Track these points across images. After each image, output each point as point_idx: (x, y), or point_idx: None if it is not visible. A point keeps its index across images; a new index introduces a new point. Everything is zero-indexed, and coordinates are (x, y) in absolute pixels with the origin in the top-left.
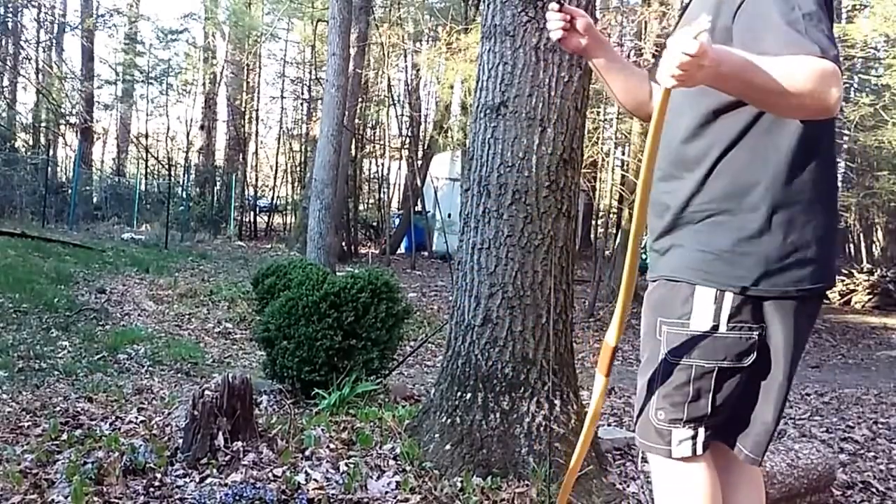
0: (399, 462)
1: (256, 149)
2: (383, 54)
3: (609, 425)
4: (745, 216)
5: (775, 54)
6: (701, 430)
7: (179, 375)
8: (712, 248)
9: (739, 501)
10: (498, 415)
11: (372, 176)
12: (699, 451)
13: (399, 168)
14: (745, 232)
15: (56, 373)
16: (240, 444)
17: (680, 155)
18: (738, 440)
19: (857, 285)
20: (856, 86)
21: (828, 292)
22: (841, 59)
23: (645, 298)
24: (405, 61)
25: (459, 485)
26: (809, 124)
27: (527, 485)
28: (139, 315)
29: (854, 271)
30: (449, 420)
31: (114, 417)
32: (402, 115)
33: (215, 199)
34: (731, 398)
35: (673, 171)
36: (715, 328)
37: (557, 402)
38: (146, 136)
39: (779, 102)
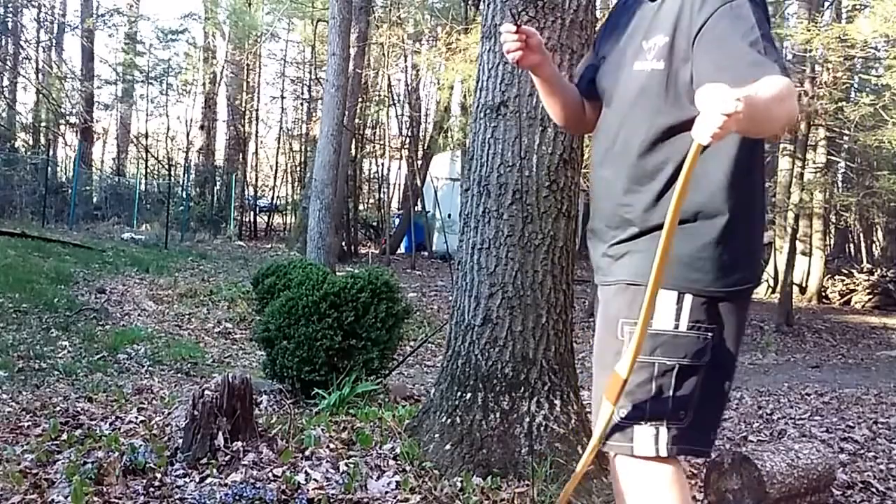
0: (399, 462)
1: (256, 149)
2: (383, 54)
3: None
4: (701, 224)
5: (740, 73)
6: (662, 430)
7: (179, 375)
8: (672, 254)
9: None
10: (498, 415)
11: (372, 176)
12: (662, 452)
13: (399, 168)
14: (702, 239)
15: (56, 373)
16: (240, 444)
17: (638, 169)
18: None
19: (857, 285)
20: (856, 86)
21: (828, 292)
22: (843, 60)
23: (602, 303)
24: (405, 61)
25: (459, 485)
26: (750, 141)
27: (527, 485)
28: (139, 315)
29: (854, 271)
30: (449, 420)
31: (114, 417)
32: (402, 115)
33: (215, 198)
34: (691, 398)
35: (632, 184)
36: (676, 327)
37: (557, 401)
38: (146, 136)
39: (772, 126)
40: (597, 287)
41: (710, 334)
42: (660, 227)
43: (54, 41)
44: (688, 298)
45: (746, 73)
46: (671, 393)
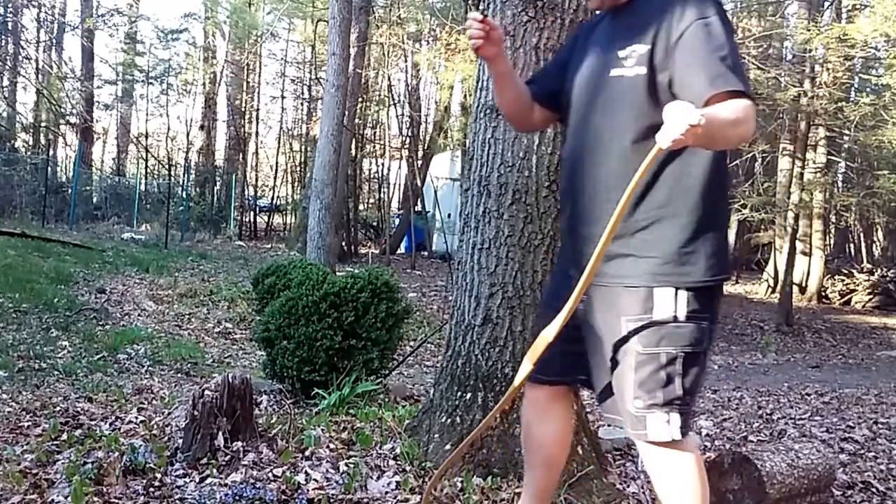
0: (399, 462)
1: (256, 149)
2: (383, 54)
3: (609, 426)
4: (684, 221)
5: (708, 83)
6: (674, 416)
7: (179, 375)
8: (662, 253)
9: (541, 434)
10: (498, 415)
11: (372, 176)
12: (676, 435)
13: (399, 168)
14: (686, 234)
15: (56, 373)
16: (240, 444)
17: (626, 168)
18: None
19: (858, 285)
20: (856, 86)
21: (828, 292)
22: (843, 59)
23: (597, 303)
24: (405, 61)
25: (459, 485)
26: (716, 162)
27: None
28: (139, 315)
29: (854, 271)
30: (449, 420)
31: (114, 417)
32: (402, 115)
33: (215, 198)
34: (697, 383)
35: (620, 182)
36: (675, 318)
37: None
38: (146, 136)
39: (725, 144)
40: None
41: (704, 322)
42: (646, 225)
43: (54, 41)
44: (682, 293)
45: (714, 84)
46: (679, 380)
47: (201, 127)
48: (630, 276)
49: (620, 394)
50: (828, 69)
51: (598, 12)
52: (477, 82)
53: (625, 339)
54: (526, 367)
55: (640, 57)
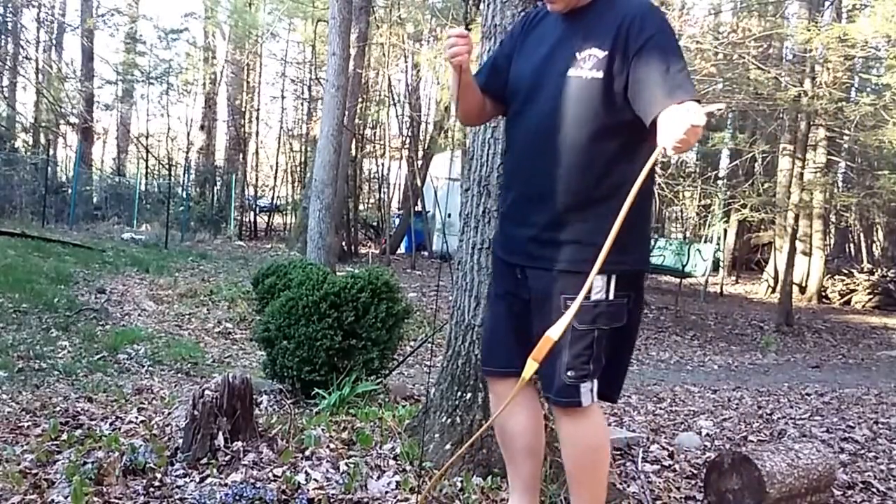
0: (399, 462)
1: (256, 149)
2: (383, 54)
3: (609, 425)
4: (628, 213)
5: (669, 92)
6: (595, 382)
7: (179, 375)
8: (600, 241)
9: (516, 426)
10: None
11: (372, 176)
12: (595, 398)
13: (399, 168)
14: (623, 226)
15: (56, 373)
16: (240, 444)
17: (580, 163)
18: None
19: (858, 285)
20: (856, 86)
21: (828, 292)
22: (843, 59)
23: (538, 284)
24: (405, 61)
25: (459, 485)
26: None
27: None
28: (139, 315)
29: (854, 271)
30: (449, 420)
31: (114, 417)
32: (402, 115)
33: (215, 198)
34: (615, 354)
35: (571, 176)
36: (608, 299)
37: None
38: (146, 136)
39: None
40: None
41: (631, 303)
42: (588, 216)
43: (54, 41)
44: (615, 278)
45: (674, 96)
46: (605, 353)
47: (201, 127)
48: (573, 260)
49: (553, 365)
50: (828, 69)
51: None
52: None
53: (561, 315)
54: (531, 365)
55: (598, 62)
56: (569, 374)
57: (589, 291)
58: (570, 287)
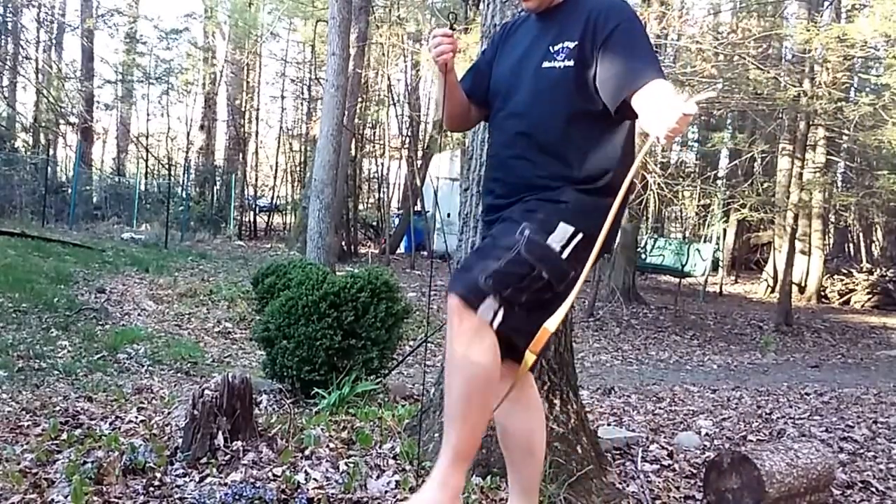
0: (399, 461)
1: (256, 149)
2: (383, 54)
3: (609, 425)
4: (596, 193)
5: (642, 74)
6: (501, 312)
7: (179, 375)
8: (578, 201)
9: (516, 426)
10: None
11: (372, 176)
12: (495, 325)
13: (399, 168)
14: (603, 198)
15: (56, 372)
16: (239, 443)
17: (556, 145)
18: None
19: (857, 285)
20: (855, 86)
21: (828, 292)
22: (842, 59)
23: (516, 208)
24: (405, 61)
25: None
26: (632, 132)
27: None
28: (139, 315)
29: (853, 271)
30: None
31: (113, 417)
32: (402, 115)
33: (215, 198)
34: (532, 303)
35: (550, 157)
36: (560, 252)
37: (557, 401)
38: (146, 136)
39: None
40: (593, 284)
41: (573, 271)
42: (575, 181)
43: (54, 41)
44: (577, 237)
45: (646, 76)
46: (528, 295)
47: (201, 127)
48: (544, 202)
49: (476, 263)
50: (827, 69)
51: (522, 13)
52: None
53: (516, 240)
54: (530, 358)
55: (570, 51)
56: (486, 279)
57: (550, 234)
58: (534, 221)
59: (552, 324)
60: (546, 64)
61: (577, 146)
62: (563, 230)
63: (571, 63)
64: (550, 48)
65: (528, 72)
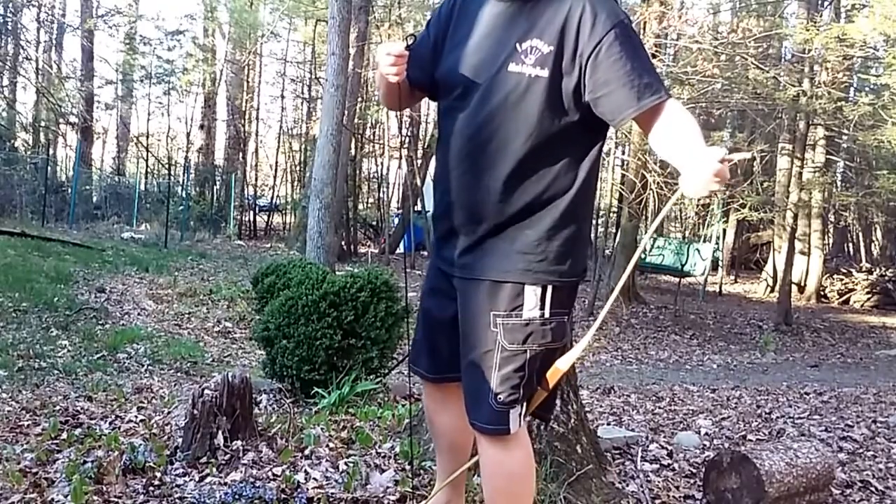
0: (399, 461)
1: (256, 148)
2: None
3: (608, 425)
4: (566, 226)
5: (637, 91)
6: (524, 405)
7: (179, 374)
8: (536, 249)
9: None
10: None
11: (371, 175)
12: (523, 423)
13: (398, 167)
14: (561, 232)
15: (56, 372)
16: (239, 443)
17: (518, 170)
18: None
19: (856, 285)
20: (855, 85)
21: (827, 291)
22: (842, 59)
23: (465, 296)
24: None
25: None
26: (596, 166)
27: None
28: (139, 314)
29: (853, 271)
30: None
31: (113, 416)
32: (402, 114)
33: (215, 198)
34: (547, 365)
35: (506, 185)
36: (542, 316)
37: (557, 401)
38: (146, 136)
39: None
40: (594, 284)
41: (565, 317)
42: (523, 220)
43: (54, 41)
44: (549, 289)
45: (642, 93)
46: (537, 375)
47: (201, 126)
48: (502, 270)
49: (480, 388)
50: (827, 69)
51: None
52: None
53: (492, 335)
54: (541, 395)
55: (543, 57)
56: (498, 398)
57: (521, 308)
58: (499, 302)
59: (564, 363)
60: (513, 67)
61: (536, 174)
62: (532, 294)
63: (545, 73)
64: (518, 46)
65: (489, 72)
